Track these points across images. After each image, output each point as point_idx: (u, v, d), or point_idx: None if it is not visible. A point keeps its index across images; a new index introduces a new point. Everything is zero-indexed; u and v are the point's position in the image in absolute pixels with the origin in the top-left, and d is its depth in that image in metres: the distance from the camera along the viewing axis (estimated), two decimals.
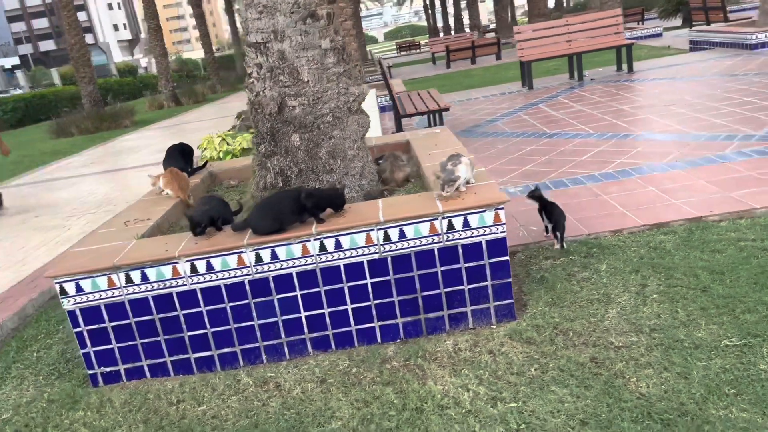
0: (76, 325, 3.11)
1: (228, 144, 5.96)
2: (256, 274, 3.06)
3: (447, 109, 6.96)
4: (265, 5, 3.47)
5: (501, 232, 3.05)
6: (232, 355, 3.18)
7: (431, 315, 3.17)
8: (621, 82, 9.78)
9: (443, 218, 3.01)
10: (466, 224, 3.03)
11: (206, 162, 4.68)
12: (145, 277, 3.05)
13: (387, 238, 3.03)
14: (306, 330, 3.16)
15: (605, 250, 3.78)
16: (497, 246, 3.07)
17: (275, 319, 3.14)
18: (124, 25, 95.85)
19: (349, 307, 3.14)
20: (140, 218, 3.70)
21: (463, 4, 41.53)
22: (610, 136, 6.51)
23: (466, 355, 2.89)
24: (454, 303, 3.16)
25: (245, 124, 6.99)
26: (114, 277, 3.04)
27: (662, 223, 4.06)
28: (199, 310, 3.11)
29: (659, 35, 17.10)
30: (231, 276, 3.06)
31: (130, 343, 3.15)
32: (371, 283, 3.10)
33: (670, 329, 2.82)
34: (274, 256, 3.04)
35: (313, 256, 3.05)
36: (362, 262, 3.07)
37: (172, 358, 3.18)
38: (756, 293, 2.99)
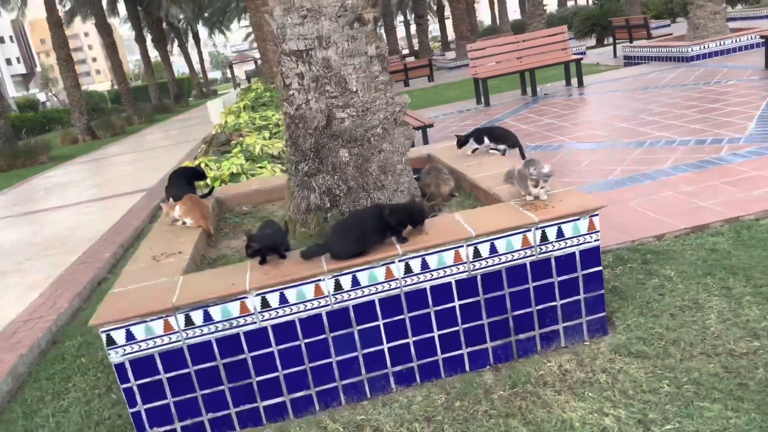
0: (124, 379, 2.63)
1: (211, 169, 5.51)
2: (335, 304, 2.71)
3: (431, 126, 6.79)
4: (309, 9, 3.16)
5: (595, 241, 2.86)
6: (306, 399, 2.80)
7: (522, 336, 2.92)
8: (577, 96, 10.00)
9: (536, 229, 2.79)
10: (560, 234, 2.82)
11: (212, 188, 4.25)
12: (208, 318, 2.63)
13: (477, 254, 2.77)
14: (389, 363, 2.83)
15: (660, 255, 3.67)
16: (591, 256, 2.88)
17: (355, 354, 2.79)
18: (18, 59, 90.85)
19: (436, 334, 2.84)
20: (168, 252, 3.25)
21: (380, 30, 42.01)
22: (596, 146, 6.54)
23: (579, 376, 2.66)
24: (545, 321, 2.92)
25: (219, 149, 6.53)
26: (171, 320, 2.60)
27: (702, 225, 4.01)
28: (269, 350, 2.72)
29: (583, 53, 17.81)
30: (307, 309, 2.70)
31: (188, 396, 2.70)
32: (459, 305, 2.82)
33: None
34: (356, 283, 2.70)
35: (397, 279, 2.73)
36: (450, 283, 2.79)
37: (238, 409, 2.76)
38: None
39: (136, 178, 10.73)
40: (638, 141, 6.40)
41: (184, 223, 3.70)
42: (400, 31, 57.53)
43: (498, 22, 38.12)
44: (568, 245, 2.84)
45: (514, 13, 51.38)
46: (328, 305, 2.71)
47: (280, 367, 2.74)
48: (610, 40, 21.85)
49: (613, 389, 2.52)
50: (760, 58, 10.13)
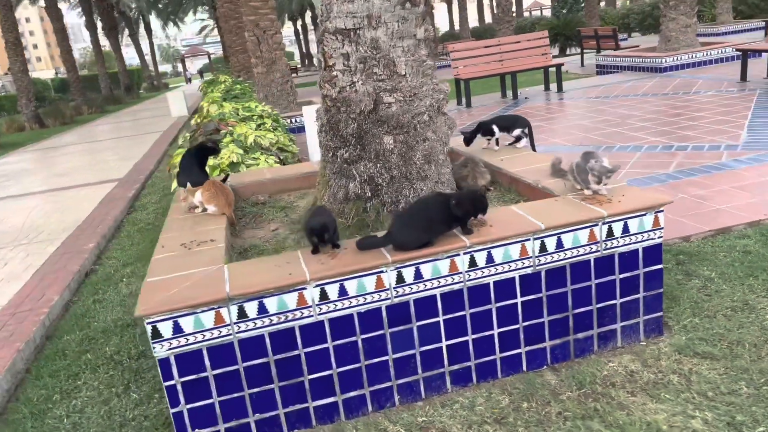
0: (168, 376, 2.39)
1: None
2: (395, 298, 2.54)
3: None
4: None
5: (658, 238, 2.78)
6: (359, 399, 2.61)
7: (580, 335, 2.81)
8: (557, 100, 10.07)
9: (603, 224, 2.68)
10: (625, 230, 2.72)
11: (227, 175, 4.00)
12: (263, 309, 2.41)
13: (543, 248, 2.64)
14: (446, 362, 2.67)
15: (693, 256, 3.63)
16: (653, 253, 2.79)
17: (412, 352, 2.62)
18: None
19: (496, 332, 2.70)
20: (198, 240, 3.00)
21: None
22: (592, 149, 6.53)
23: (649, 377, 2.56)
24: (604, 320, 2.82)
25: (209, 138, 6.21)
26: (223, 311, 2.38)
27: (725, 228, 4.00)
28: (325, 346, 2.52)
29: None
30: (367, 302, 2.51)
31: (235, 395, 2.48)
32: (521, 302, 2.69)
33: None
34: (418, 276, 2.54)
35: (461, 273, 2.58)
36: (514, 278, 2.65)
37: (287, 410, 2.55)
38: None
39: (103, 168, 10.23)
40: (635, 145, 6.44)
41: (204, 210, 3.45)
42: None
43: (458, 28, 38.38)
44: (632, 241, 2.74)
45: (473, 21, 51.91)
46: (389, 299, 2.53)
47: (334, 365, 2.55)
48: (573, 50, 22.31)
49: (690, 391, 2.43)
50: (732, 70, 10.45)
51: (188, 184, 3.54)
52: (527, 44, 10.65)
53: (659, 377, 2.55)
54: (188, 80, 51.86)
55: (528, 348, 2.76)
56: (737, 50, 9.51)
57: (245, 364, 2.46)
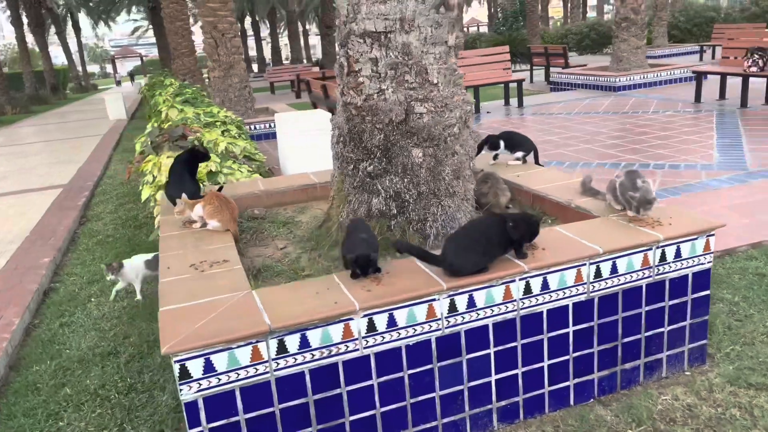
0: (194, 422, 2.06)
1: None
2: (446, 328, 2.30)
3: None
4: None
5: (708, 263, 2.66)
6: None
7: (628, 365, 2.65)
8: (520, 116, 10.09)
9: (657, 248, 2.53)
10: (677, 254, 2.58)
11: (221, 186, 3.64)
12: (305, 344, 2.12)
13: (598, 274, 2.47)
14: (494, 398, 2.45)
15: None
16: (702, 278, 2.67)
17: (460, 388, 2.39)
18: None
19: (546, 363, 2.50)
20: (209, 260, 2.67)
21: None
22: (569, 165, 6.51)
23: (710, 412, 2.42)
24: (652, 349, 2.67)
25: (177, 144, 5.78)
26: (261, 346, 2.07)
27: (730, 249, 3.97)
28: (369, 383, 2.25)
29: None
30: (416, 333, 2.26)
31: None
32: (573, 331, 2.50)
33: None
34: (471, 304, 2.31)
35: (515, 301, 2.37)
36: (567, 306, 2.46)
37: None
38: None
39: (40, 173, 9.48)
40: (612, 162, 6.45)
41: (203, 225, 3.11)
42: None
43: None
44: (684, 266, 2.61)
45: None
46: (439, 330, 2.29)
47: (378, 404, 2.28)
48: (517, 66, 22.69)
49: (757, 427, 2.30)
50: (682, 91, 10.79)
51: (184, 196, 3.18)
52: (489, 58, 10.65)
53: (720, 412, 2.41)
54: (118, 82, 49.75)
55: (576, 380, 2.57)
56: (693, 72, 9.80)
57: (282, 405, 2.15)
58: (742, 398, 2.48)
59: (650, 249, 2.52)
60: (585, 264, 2.43)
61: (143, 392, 2.91)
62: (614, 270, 2.49)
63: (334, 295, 2.22)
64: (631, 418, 2.44)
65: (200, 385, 2.03)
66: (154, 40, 34.68)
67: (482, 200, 3.34)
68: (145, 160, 5.18)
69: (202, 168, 4.80)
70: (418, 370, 2.30)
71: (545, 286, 2.40)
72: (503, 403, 2.47)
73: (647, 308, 2.61)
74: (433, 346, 2.30)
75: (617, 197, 2.83)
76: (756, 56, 8.56)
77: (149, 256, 4.02)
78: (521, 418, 2.52)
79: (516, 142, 4.01)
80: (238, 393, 2.09)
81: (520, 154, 3.98)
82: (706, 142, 7.02)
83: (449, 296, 2.27)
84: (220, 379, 2.05)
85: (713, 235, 2.63)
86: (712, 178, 5.56)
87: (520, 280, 2.35)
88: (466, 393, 2.40)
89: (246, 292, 2.31)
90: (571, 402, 2.58)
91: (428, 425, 2.38)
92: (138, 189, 6.66)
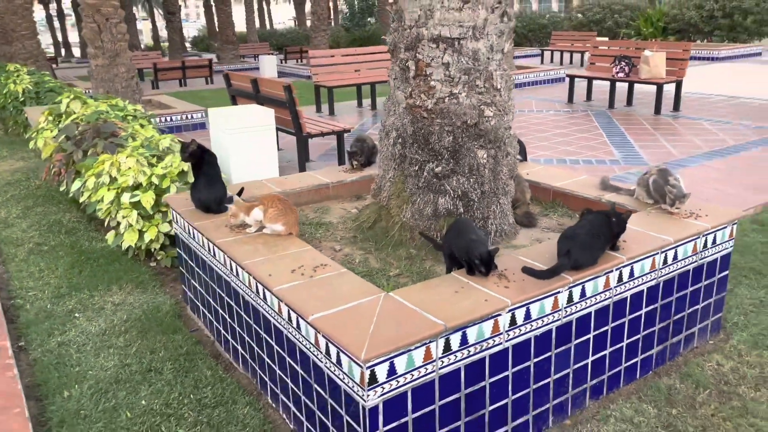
0: (374, 427, 2.06)
1: (145, 164, 4.42)
2: (564, 318, 2.50)
3: (348, 131, 6.50)
4: None
5: (731, 247, 3.13)
6: (524, 425, 2.52)
7: (674, 339, 3.04)
8: None
9: (703, 236, 2.94)
10: (714, 241, 3.01)
11: (242, 188, 3.49)
12: (464, 341, 2.21)
13: (665, 261, 2.82)
14: (589, 378, 2.71)
15: None
16: (725, 261, 3.14)
17: (567, 371, 2.61)
18: None
19: (624, 342, 2.80)
20: (305, 265, 2.62)
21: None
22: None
23: (753, 372, 2.87)
24: (691, 324, 3.09)
25: (113, 141, 5.26)
26: (432, 346, 2.13)
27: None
28: (506, 374, 2.39)
29: None
30: (544, 324, 2.44)
31: None
32: (644, 313, 2.83)
33: None
34: (583, 294, 2.54)
35: (611, 288, 2.64)
36: (643, 291, 2.78)
37: None
38: None
39: None
40: (532, 158, 7.01)
41: (259, 229, 3.01)
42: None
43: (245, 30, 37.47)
44: (717, 251, 3.05)
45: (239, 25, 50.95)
46: (559, 320, 2.49)
47: (510, 393, 2.42)
48: None
49: None
50: (551, 92, 11.89)
51: (237, 199, 3.04)
52: (381, 56, 10.91)
53: (758, 372, 2.88)
54: None
55: (643, 356, 2.90)
56: (567, 75, 10.86)
57: (440, 402, 2.22)
58: (766, 359, 2.97)
59: (699, 237, 2.92)
60: (658, 253, 2.76)
61: (215, 407, 2.77)
62: (675, 257, 2.85)
63: (474, 293, 2.33)
64: (694, 384, 2.82)
65: (383, 388, 2.04)
66: None
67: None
68: (99, 159, 4.72)
69: (175, 167, 4.53)
70: (541, 357, 2.48)
71: (631, 274, 2.69)
72: (594, 381, 2.73)
73: (692, 288, 3.01)
74: (554, 335, 2.49)
75: (650, 192, 3.21)
76: (623, 63, 9.72)
77: None
78: (605, 393, 2.80)
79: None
80: (409, 394, 2.12)
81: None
82: (600, 139, 7.88)
83: (569, 288, 2.47)
84: (398, 381, 2.08)
85: (737, 223, 3.10)
86: (626, 172, 6.29)
87: (616, 270, 2.62)
88: (570, 375, 2.62)
89: (383, 294, 2.33)
90: (637, 375, 2.91)
91: (543, 408, 2.56)
92: (57, 189, 5.99)
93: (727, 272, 3.17)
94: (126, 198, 4.30)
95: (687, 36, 21.13)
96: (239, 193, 3.33)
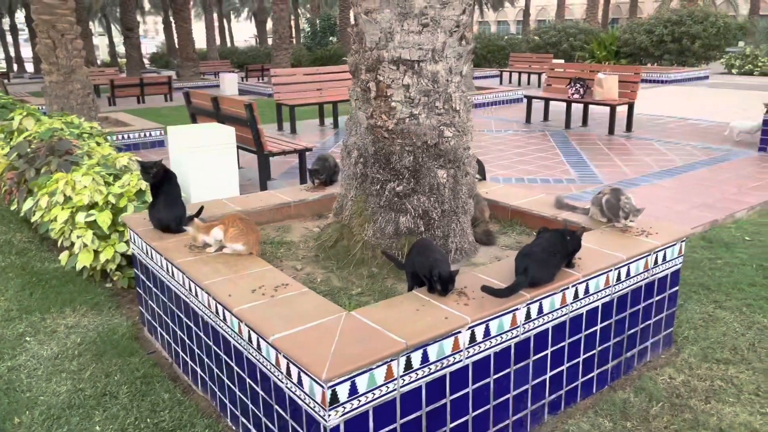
0: None
1: (101, 183, 4.33)
2: (522, 334, 2.55)
3: (310, 149, 6.50)
4: (432, 18, 2.93)
5: (680, 263, 3.24)
6: None
7: (629, 354, 3.12)
8: None
9: (654, 253, 3.05)
10: (664, 258, 3.12)
11: (202, 208, 3.46)
12: (425, 359, 2.24)
13: (618, 278, 2.90)
14: (547, 393, 2.75)
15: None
16: (675, 277, 3.24)
17: (526, 387, 2.65)
18: None
19: (581, 358, 2.87)
20: (265, 285, 2.61)
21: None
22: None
23: (703, 386, 2.97)
24: (644, 338, 3.18)
25: (68, 159, 5.14)
26: (394, 364, 2.14)
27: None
28: (466, 391, 2.42)
29: None
30: (502, 341, 2.48)
31: None
32: (600, 328, 2.91)
33: None
34: (540, 311, 2.59)
35: (568, 305, 2.71)
36: (598, 307, 2.86)
37: None
38: None
39: None
40: (491, 177, 7.13)
41: (219, 249, 2.99)
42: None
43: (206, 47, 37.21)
44: (666, 267, 3.15)
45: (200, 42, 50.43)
46: (517, 336, 2.53)
47: (471, 409, 2.45)
48: None
49: (743, 393, 2.89)
50: (507, 112, 12.14)
51: (196, 220, 3.02)
52: (343, 75, 10.99)
53: (708, 385, 2.98)
54: None
55: (599, 370, 2.97)
56: (525, 96, 11.11)
57: (402, 420, 2.23)
58: (717, 372, 3.08)
59: (650, 254, 3.02)
60: (612, 270, 2.85)
61: (173, 431, 2.72)
62: (628, 273, 2.94)
63: (435, 311, 2.36)
64: (647, 397, 2.89)
65: (344, 408, 2.05)
66: None
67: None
68: (53, 178, 4.62)
69: (132, 185, 4.46)
70: (500, 374, 2.52)
71: (587, 290, 2.76)
72: (552, 396, 2.78)
73: (644, 304, 3.10)
74: (512, 351, 2.54)
75: (604, 211, 3.31)
76: (578, 85, 10.00)
77: None
78: (562, 408, 2.85)
79: None
80: (371, 413, 2.13)
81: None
82: (557, 158, 8.07)
83: (527, 305, 2.52)
84: (360, 401, 2.08)
85: (686, 240, 3.21)
86: (582, 191, 6.46)
87: (572, 286, 2.69)
88: (529, 391, 2.67)
89: (345, 313, 2.34)
90: (594, 390, 2.98)
91: (502, 424, 2.60)
92: (8, 208, 5.82)
93: (677, 288, 3.27)
94: (81, 218, 4.21)
95: (638, 59, 21.88)
96: (198, 213, 3.30)
